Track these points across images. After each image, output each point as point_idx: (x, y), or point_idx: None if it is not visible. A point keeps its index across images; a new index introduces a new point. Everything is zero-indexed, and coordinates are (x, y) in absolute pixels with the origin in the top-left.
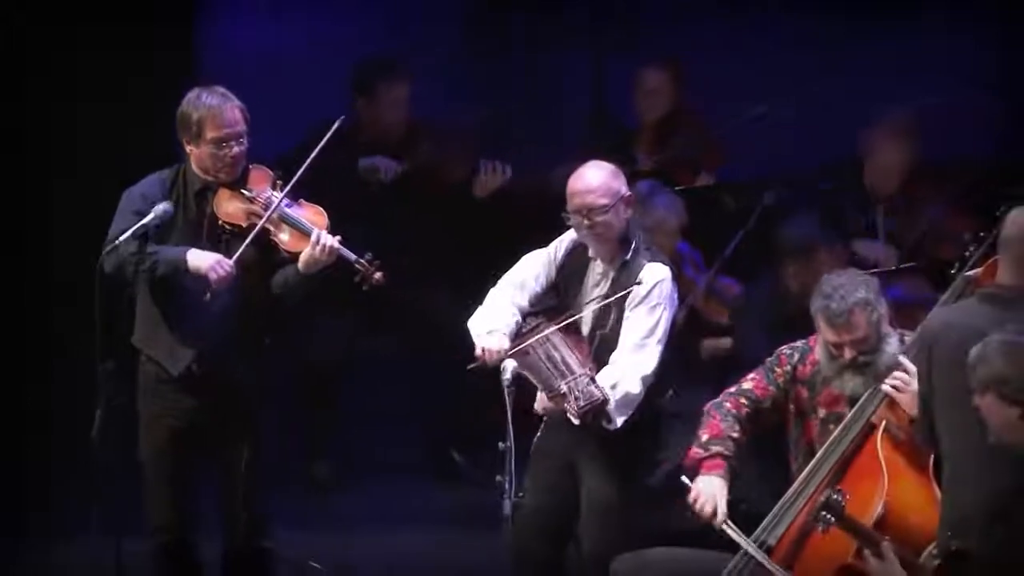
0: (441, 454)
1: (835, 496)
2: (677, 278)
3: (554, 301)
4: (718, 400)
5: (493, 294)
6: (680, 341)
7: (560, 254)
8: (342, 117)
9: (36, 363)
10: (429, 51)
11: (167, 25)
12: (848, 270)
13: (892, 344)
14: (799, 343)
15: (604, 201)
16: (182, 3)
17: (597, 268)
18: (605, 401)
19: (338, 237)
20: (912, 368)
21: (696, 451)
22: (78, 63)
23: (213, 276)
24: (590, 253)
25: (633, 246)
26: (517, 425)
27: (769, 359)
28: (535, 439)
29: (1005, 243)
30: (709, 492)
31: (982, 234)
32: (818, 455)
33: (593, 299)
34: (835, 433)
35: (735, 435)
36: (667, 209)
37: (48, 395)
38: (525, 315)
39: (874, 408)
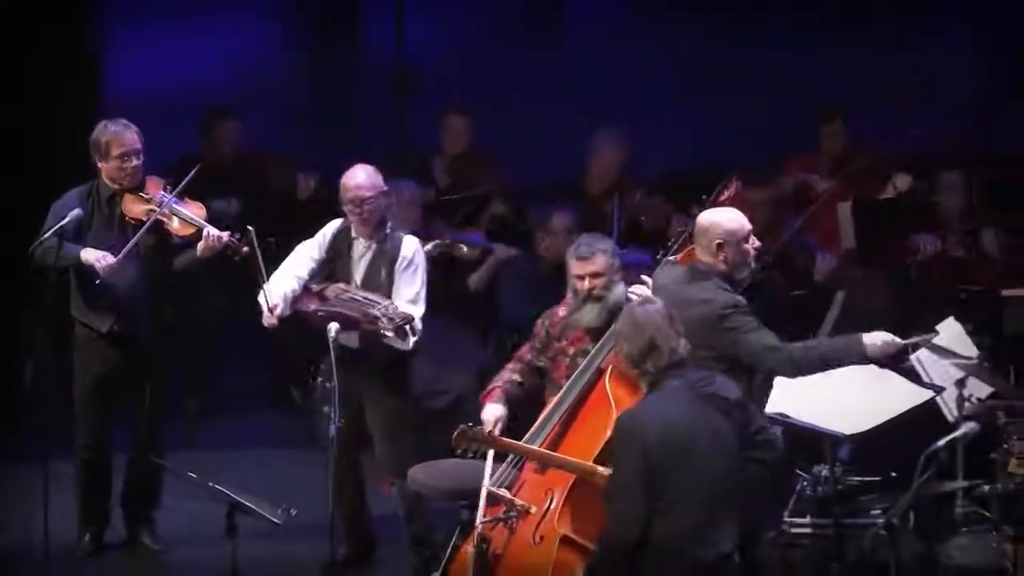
0: (284, 391)
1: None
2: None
3: (326, 273)
4: (502, 371)
5: (277, 274)
6: (443, 277)
7: (328, 238)
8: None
9: None
10: (273, 94)
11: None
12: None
13: (620, 288)
14: (547, 311)
15: (371, 194)
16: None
17: (360, 244)
18: (412, 318)
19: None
20: (648, 284)
21: (484, 395)
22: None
23: (98, 266)
24: (353, 234)
25: (389, 225)
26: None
27: (531, 334)
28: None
29: (696, 235)
30: (489, 414)
31: (680, 229)
32: (565, 386)
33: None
34: (581, 367)
35: (516, 379)
36: (413, 192)
37: None
38: (305, 284)
39: (605, 354)
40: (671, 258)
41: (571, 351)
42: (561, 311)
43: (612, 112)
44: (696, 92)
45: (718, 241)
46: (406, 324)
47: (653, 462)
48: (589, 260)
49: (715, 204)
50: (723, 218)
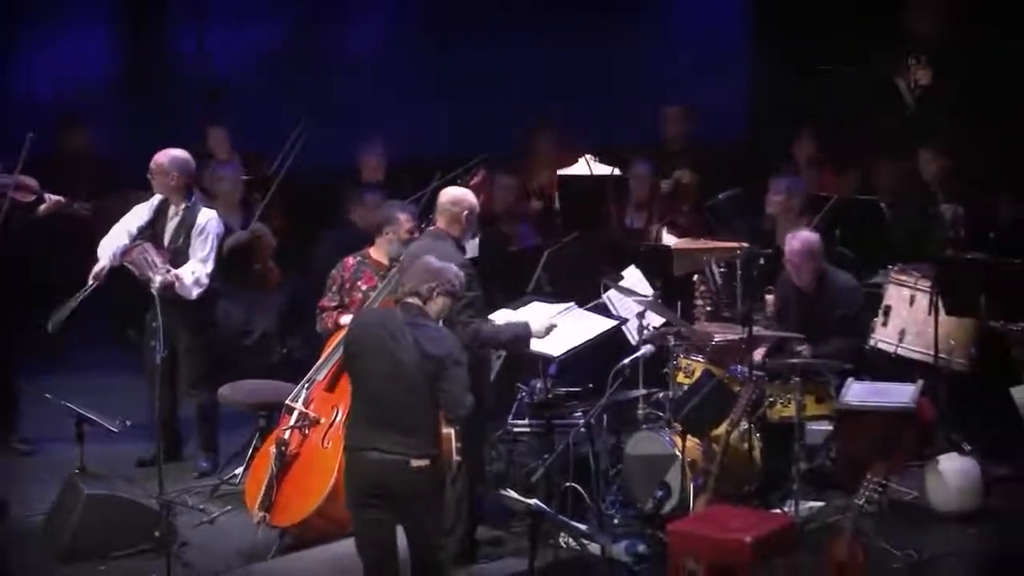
0: (123, 332)
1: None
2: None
3: (151, 231)
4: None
5: (115, 227)
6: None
7: (154, 204)
8: (30, 135)
9: None
10: (102, 99)
11: None
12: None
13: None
14: (339, 263)
15: (166, 168)
16: None
17: (172, 210)
18: (175, 283)
19: (60, 197)
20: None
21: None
22: None
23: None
24: (170, 203)
25: (193, 199)
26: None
27: (329, 282)
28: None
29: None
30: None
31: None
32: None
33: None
34: (371, 299)
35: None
36: (233, 176)
37: None
38: (135, 238)
39: (383, 296)
40: (432, 228)
41: (364, 288)
42: (351, 260)
43: (377, 107)
44: (442, 92)
45: (467, 213)
46: (169, 285)
47: (347, 351)
48: (414, 215)
49: (465, 186)
50: (470, 196)
